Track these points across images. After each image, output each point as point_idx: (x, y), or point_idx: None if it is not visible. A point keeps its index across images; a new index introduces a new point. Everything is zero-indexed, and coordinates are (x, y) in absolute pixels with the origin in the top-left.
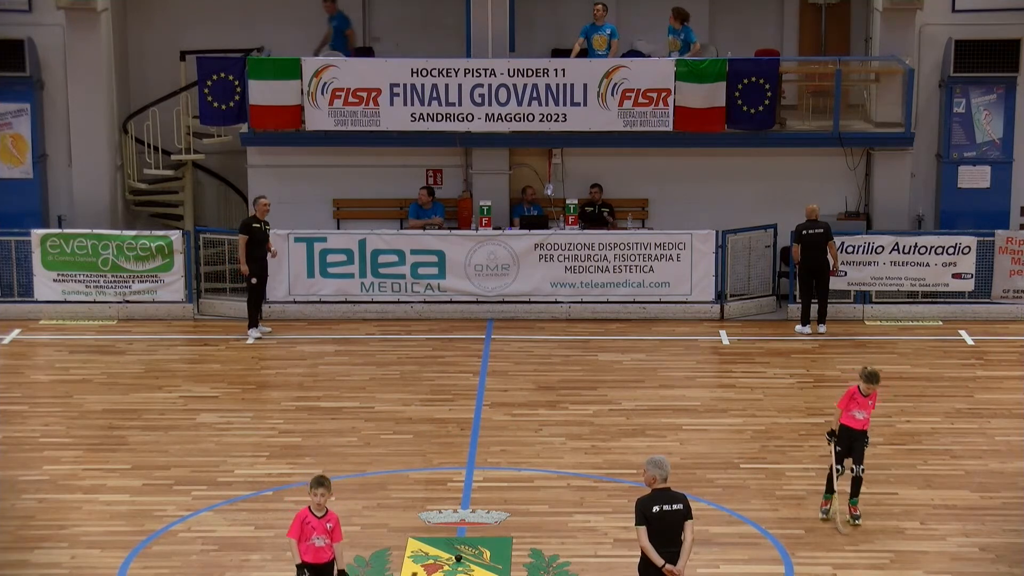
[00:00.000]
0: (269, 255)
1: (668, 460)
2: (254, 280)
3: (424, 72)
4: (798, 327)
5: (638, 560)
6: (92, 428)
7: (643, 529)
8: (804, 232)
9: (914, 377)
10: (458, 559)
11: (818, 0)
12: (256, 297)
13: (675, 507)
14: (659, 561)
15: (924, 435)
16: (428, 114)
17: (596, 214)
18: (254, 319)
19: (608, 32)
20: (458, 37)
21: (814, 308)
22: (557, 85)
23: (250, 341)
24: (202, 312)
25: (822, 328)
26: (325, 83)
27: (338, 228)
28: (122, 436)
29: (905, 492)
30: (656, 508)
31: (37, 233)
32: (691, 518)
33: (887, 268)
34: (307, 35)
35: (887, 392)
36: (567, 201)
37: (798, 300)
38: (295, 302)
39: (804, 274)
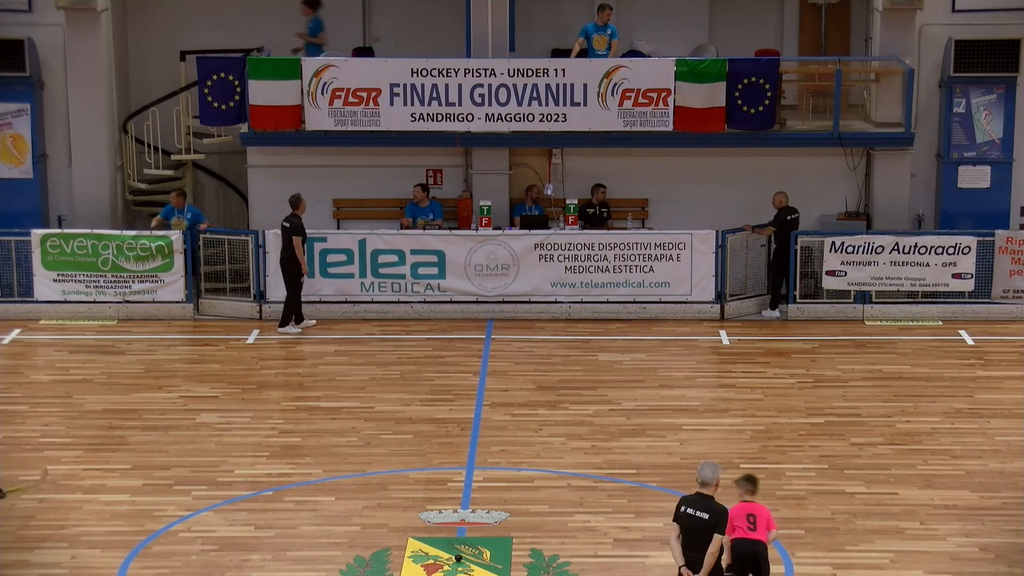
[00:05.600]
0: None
1: (716, 467)
2: (303, 278)
3: (424, 72)
4: (768, 312)
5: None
6: (92, 428)
7: (675, 526)
8: (788, 217)
9: (914, 377)
10: (458, 559)
11: (818, 0)
12: (299, 295)
13: (700, 515)
14: (678, 561)
15: (924, 435)
16: (428, 114)
17: (596, 214)
18: (299, 314)
19: (609, 32)
20: (458, 37)
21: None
22: (557, 85)
23: (297, 330)
24: (202, 312)
25: (778, 313)
26: (325, 83)
27: (338, 228)
28: (122, 436)
29: (905, 492)
30: (683, 509)
31: (37, 233)
32: (721, 532)
33: (887, 268)
34: None
35: (887, 392)
36: (567, 201)
37: (782, 287)
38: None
39: (781, 258)
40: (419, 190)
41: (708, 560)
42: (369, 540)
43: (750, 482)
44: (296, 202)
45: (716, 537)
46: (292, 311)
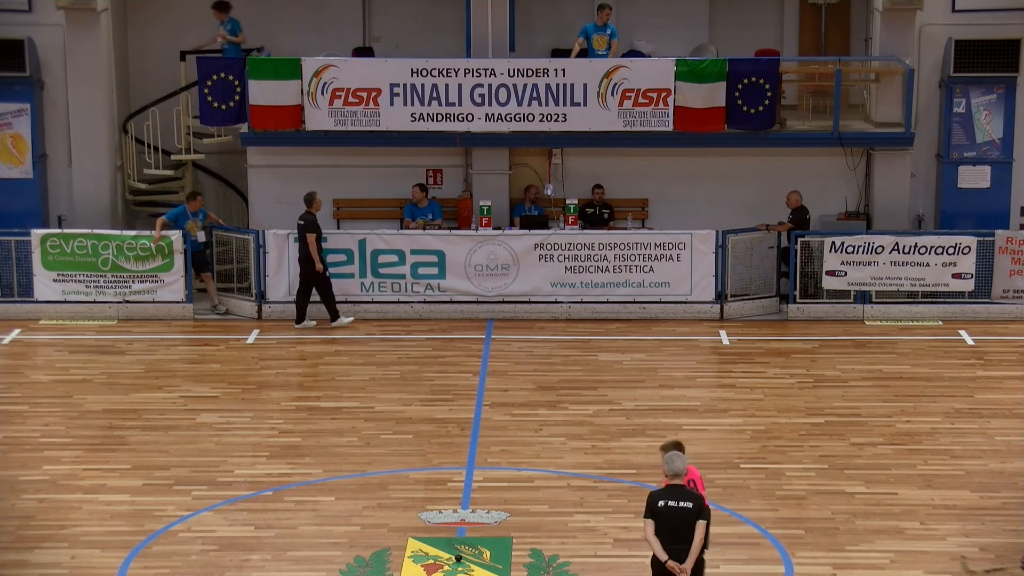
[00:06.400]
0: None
1: (683, 457)
2: (327, 272)
3: (424, 72)
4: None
5: (646, 559)
6: (92, 428)
7: (650, 523)
8: (807, 217)
9: (914, 377)
10: (458, 559)
11: (818, 0)
12: (329, 289)
13: (682, 504)
14: (662, 556)
15: (924, 435)
16: (428, 114)
17: (596, 214)
18: (302, 312)
19: (608, 32)
20: (458, 37)
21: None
22: (557, 85)
23: (347, 321)
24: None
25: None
26: (325, 83)
27: (338, 228)
28: (122, 436)
29: (905, 492)
30: (662, 503)
31: (37, 233)
32: (703, 518)
33: (887, 268)
34: (307, 35)
35: (887, 392)
36: (567, 201)
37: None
38: (295, 302)
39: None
40: (418, 190)
41: (696, 547)
42: (369, 540)
43: (678, 448)
44: (310, 200)
45: (699, 524)
46: (333, 304)
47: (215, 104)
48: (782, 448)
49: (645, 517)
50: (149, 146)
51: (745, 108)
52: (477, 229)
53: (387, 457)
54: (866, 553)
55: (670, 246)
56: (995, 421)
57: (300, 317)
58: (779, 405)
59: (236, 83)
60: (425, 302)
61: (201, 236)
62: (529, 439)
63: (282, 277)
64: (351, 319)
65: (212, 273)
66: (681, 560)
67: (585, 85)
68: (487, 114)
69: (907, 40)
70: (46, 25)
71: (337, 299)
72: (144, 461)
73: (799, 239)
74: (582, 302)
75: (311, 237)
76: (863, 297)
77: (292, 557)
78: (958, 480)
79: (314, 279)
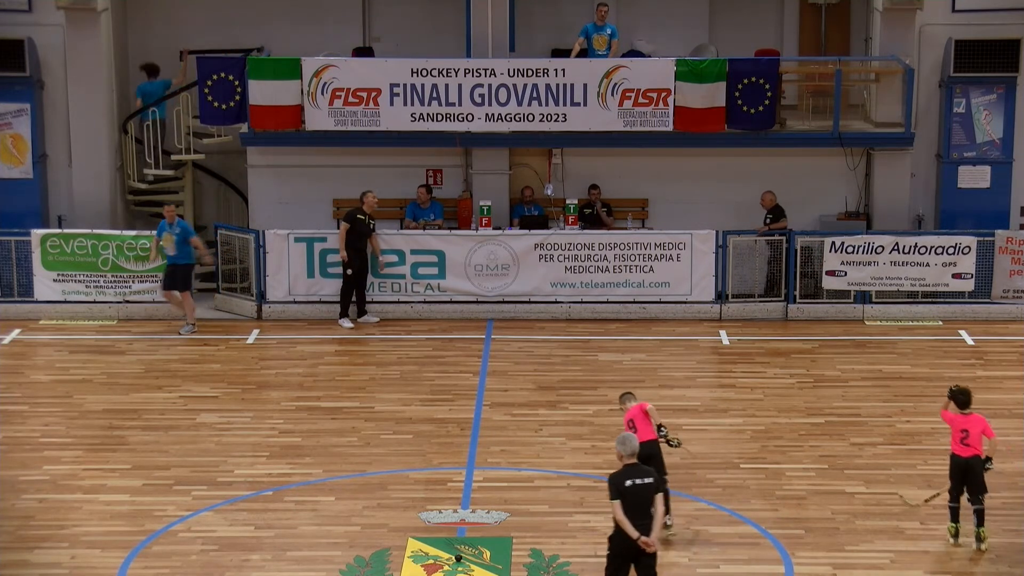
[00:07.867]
0: (372, 253)
1: (634, 437)
2: (350, 271)
3: (424, 72)
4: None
5: (611, 533)
6: (92, 428)
7: (618, 503)
8: (785, 216)
9: (914, 377)
10: (458, 559)
11: (818, 0)
12: (348, 288)
13: (646, 480)
14: (634, 534)
15: (924, 435)
16: (428, 114)
17: (595, 214)
18: (345, 309)
19: (608, 32)
20: (458, 37)
21: None
22: (557, 85)
23: (348, 325)
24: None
25: None
26: (325, 83)
27: (338, 228)
28: (122, 436)
29: (905, 492)
30: (628, 482)
31: (37, 233)
32: (661, 491)
33: (887, 268)
34: (307, 35)
35: (887, 392)
36: (567, 201)
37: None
38: (295, 302)
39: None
40: (423, 192)
41: (659, 520)
42: (369, 540)
43: (629, 396)
44: (361, 197)
45: (658, 497)
46: (347, 305)
47: (215, 104)
48: (782, 448)
49: (613, 499)
50: (149, 146)
51: (745, 108)
52: (477, 229)
53: (387, 457)
54: (866, 553)
55: (670, 246)
56: (995, 421)
57: (360, 311)
58: (779, 405)
59: (236, 83)
60: (425, 302)
61: (171, 250)
62: (529, 439)
63: (282, 277)
64: (352, 325)
65: (191, 291)
66: (647, 534)
67: (585, 85)
68: (487, 114)
69: (907, 40)
70: (46, 25)
71: (337, 299)
72: (144, 461)
73: (799, 239)
74: (582, 302)
75: (343, 227)
76: (863, 297)
77: (292, 557)
78: None
79: (343, 274)
